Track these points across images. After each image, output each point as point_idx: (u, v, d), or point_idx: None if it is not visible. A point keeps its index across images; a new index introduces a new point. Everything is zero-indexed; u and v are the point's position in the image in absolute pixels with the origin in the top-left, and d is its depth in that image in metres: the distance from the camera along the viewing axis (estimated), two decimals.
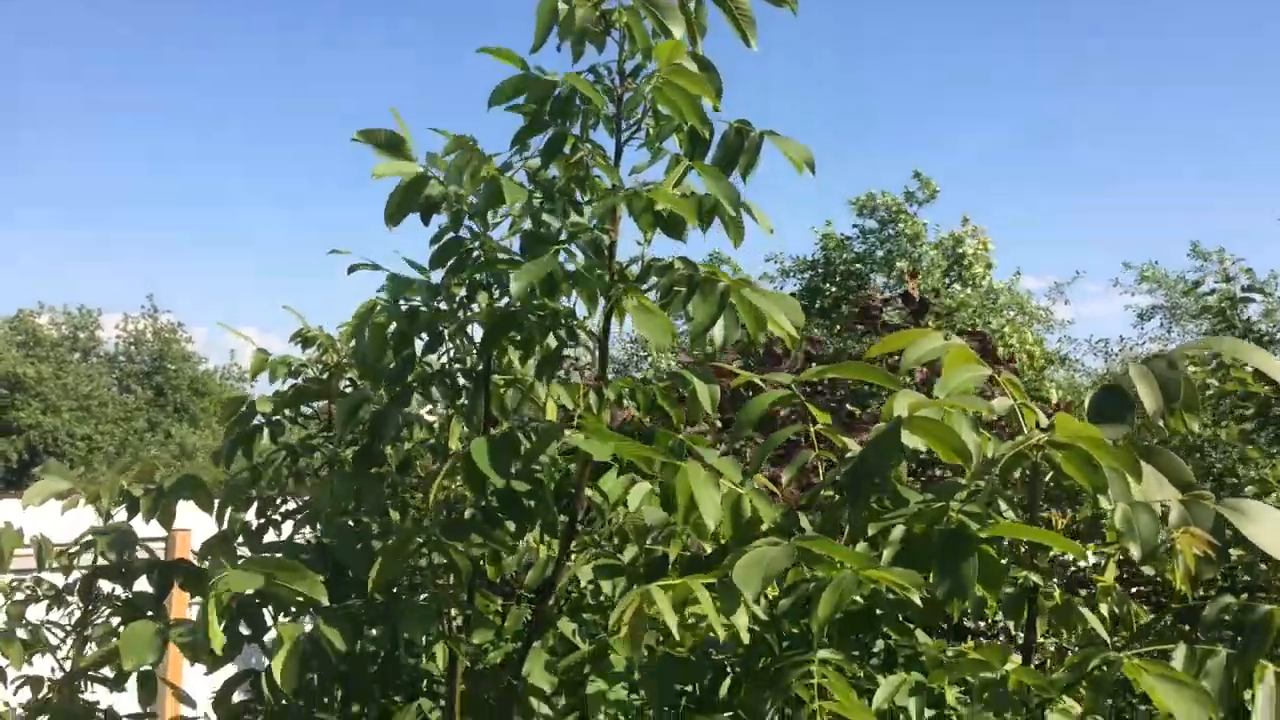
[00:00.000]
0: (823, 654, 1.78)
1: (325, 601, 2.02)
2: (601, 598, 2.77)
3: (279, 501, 2.88)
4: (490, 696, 2.37)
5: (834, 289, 18.27)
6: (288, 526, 2.92)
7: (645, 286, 2.30)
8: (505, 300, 2.40)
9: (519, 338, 2.29)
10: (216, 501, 2.72)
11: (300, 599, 1.99)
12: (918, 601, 1.78)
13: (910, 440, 2.02)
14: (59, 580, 2.71)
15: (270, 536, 2.86)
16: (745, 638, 1.74)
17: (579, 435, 2.13)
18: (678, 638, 1.76)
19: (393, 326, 2.41)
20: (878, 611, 2.03)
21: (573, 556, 2.36)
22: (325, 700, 2.33)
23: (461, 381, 2.62)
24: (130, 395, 37.59)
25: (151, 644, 2.08)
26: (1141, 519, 2.07)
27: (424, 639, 2.36)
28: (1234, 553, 3.46)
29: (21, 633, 2.46)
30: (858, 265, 19.00)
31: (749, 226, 2.28)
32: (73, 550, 2.51)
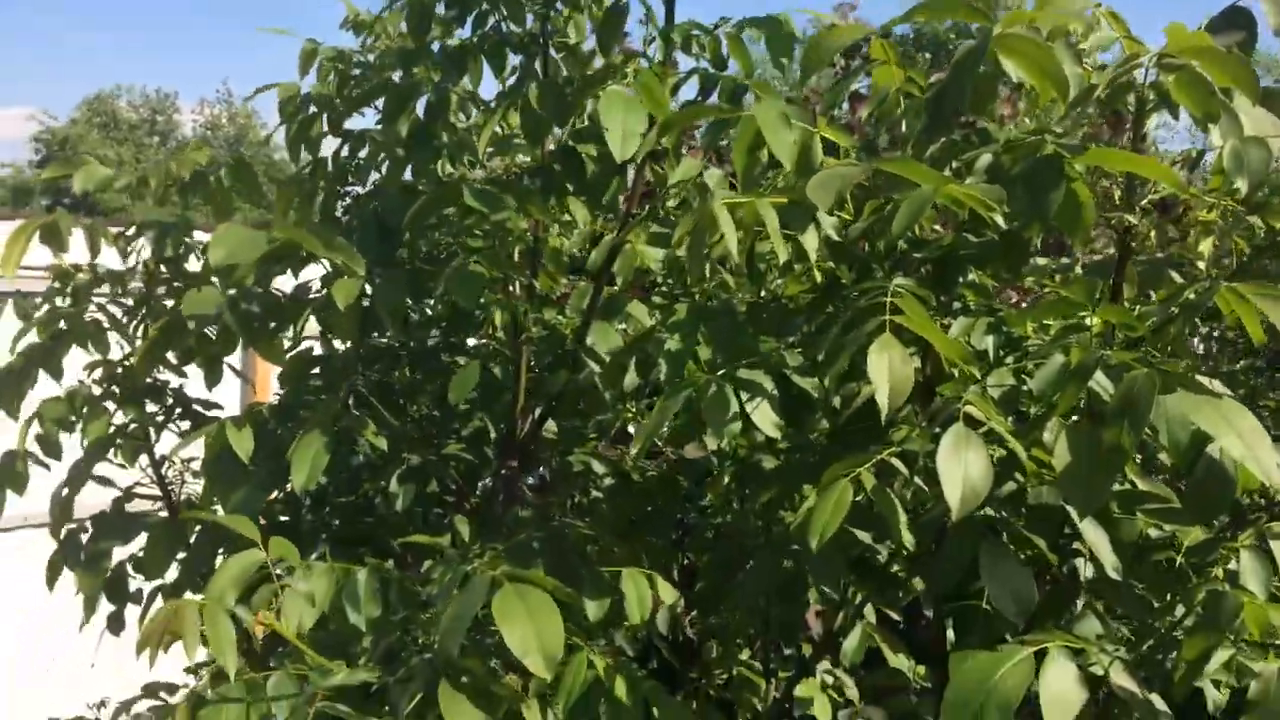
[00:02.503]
0: (898, 280, 1.67)
1: (361, 271, 1.96)
2: (669, 281, 2.70)
3: (343, 192, 2.79)
4: (550, 359, 2.34)
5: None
6: None
7: None
8: None
9: None
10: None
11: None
12: (1000, 222, 1.65)
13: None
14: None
15: None
16: (813, 255, 1.63)
17: (616, 93, 1.98)
18: (736, 257, 1.66)
19: None
20: (960, 253, 1.91)
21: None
22: (388, 365, 2.32)
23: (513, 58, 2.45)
24: None
25: (214, 305, 2.06)
26: (1253, 152, 1.88)
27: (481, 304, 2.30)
28: None
29: (88, 315, 2.47)
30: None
31: None
32: (129, 234, 2.47)
